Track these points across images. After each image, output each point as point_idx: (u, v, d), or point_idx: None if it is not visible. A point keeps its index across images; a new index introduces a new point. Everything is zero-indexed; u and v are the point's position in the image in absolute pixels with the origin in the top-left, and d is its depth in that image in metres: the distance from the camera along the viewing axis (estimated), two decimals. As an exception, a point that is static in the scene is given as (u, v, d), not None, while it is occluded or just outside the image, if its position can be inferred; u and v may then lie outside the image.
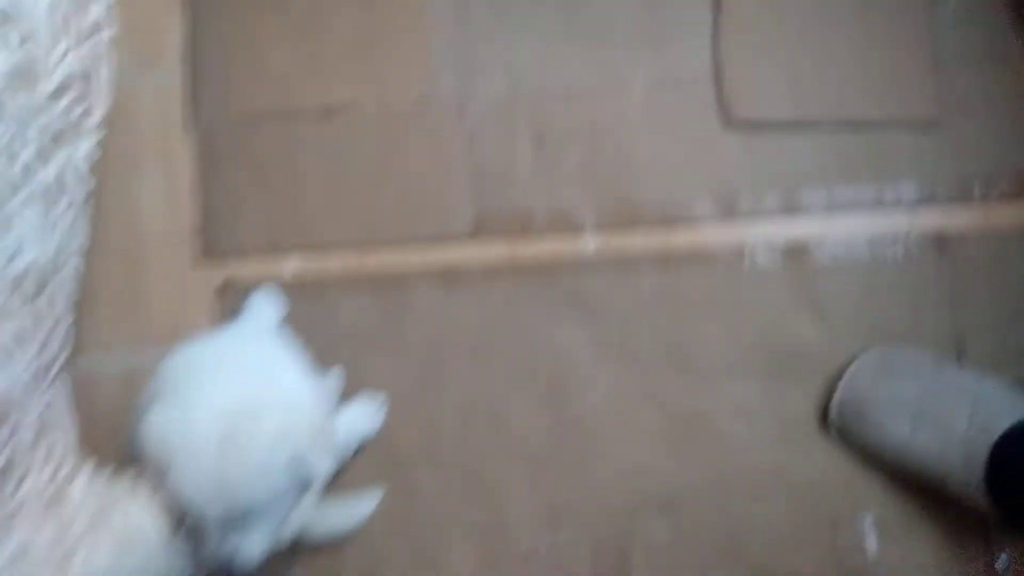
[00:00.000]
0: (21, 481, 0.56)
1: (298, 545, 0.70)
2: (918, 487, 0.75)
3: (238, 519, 0.51)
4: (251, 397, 0.54)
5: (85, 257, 0.74)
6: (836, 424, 0.75)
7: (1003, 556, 0.75)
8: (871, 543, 0.76)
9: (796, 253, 0.79)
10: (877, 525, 0.76)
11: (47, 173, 0.63)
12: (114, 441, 0.65)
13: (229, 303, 0.80)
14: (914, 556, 0.75)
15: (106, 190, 0.82)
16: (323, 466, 0.55)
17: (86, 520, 0.56)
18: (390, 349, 0.79)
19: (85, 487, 0.60)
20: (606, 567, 0.76)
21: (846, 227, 0.79)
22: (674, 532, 0.76)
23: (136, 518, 0.53)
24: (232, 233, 0.82)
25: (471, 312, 0.80)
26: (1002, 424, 0.68)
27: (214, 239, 0.82)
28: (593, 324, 0.79)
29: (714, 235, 0.80)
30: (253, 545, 0.52)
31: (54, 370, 0.65)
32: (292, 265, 0.81)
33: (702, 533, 0.76)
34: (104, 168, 0.82)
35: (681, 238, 0.80)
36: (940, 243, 0.78)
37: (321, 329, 0.79)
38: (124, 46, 0.81)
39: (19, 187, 0.60)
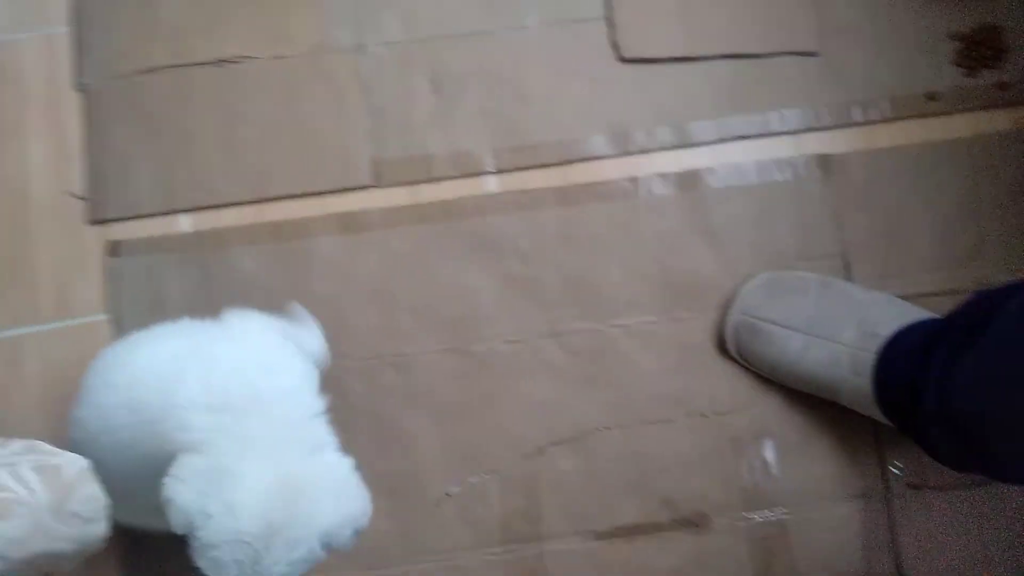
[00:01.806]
0: None
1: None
2: (814, 403, 0.78)
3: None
4: (292, 474, 0.54)
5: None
6: (733, 346, 0.78)
7: (898, 464, 0.78)
8: (772, 461, 0.78)
9: (689, 182, 0.81)
10: (777, 443, 0.78)
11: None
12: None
13: (119, 270, 0.78)
14: (813, 470, 0.78)
15: (-12, 154, 0.79)
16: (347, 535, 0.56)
17: None
18: (293, 300, 0.78)
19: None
20: (516, 506, 0.77)
21: (736, 155, 0.82)
22: (582, 465, 0.78)
23: (18, 487, 0.51)
24: (123, 194, 0.80)
25: (374, 259, 0.80)
26: (889, 329, 0.71)
27: (104, 201, 0.80)
28: (496, 264, 0.80)
29: (611, 170, 0.81)
30: None
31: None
32: (187, 224, 0.80)
33: (609, 465, 0.78)
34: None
35: (579, 175, 0.81)
36: (825, 166, 0.81)
37: (224, 282, 0.78)
38: (5, 1, 0.79)
39: None
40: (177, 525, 0.52)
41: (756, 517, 0.77)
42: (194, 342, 0.61)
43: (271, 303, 0.78)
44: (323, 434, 0.59)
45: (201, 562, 0.52)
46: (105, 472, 0.56)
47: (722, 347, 0.79)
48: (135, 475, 0.57)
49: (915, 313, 0.73)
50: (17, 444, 0.56)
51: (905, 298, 0.76)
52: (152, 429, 0.56)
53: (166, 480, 0.52)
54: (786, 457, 0.78)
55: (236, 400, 0.56)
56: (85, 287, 0.78)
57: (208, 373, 0.57)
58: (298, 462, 0.56)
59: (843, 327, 0.73)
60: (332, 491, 0.56)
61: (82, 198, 0.79)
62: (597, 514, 0.77)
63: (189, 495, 0.52)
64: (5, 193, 0.79)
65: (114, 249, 0.79)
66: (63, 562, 0.57)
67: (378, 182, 0.80)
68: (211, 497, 0.52)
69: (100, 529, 0.56)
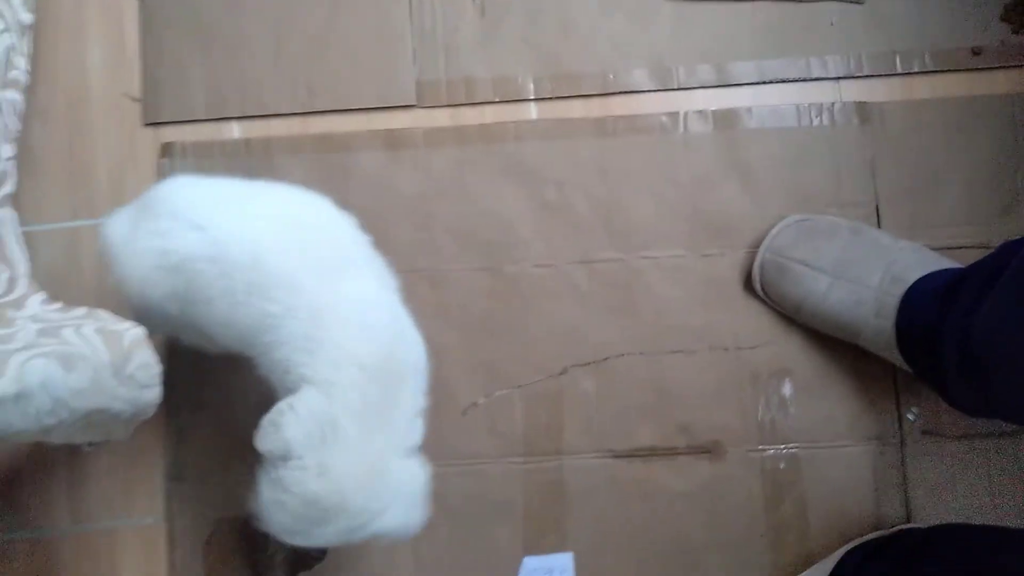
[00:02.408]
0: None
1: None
2: (835, 345, 0.79)
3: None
4: (385, 470, 0.56)
5: (29, 122, 0.74)
6: (759, 284, 0.79)
7: (913, 410, 0.80)
8: (789, 398, 0.80)
9: (727, 121, 0.82)
10: (795, 382, 0.80)
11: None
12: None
13: (171, 171, 0.82)
14: (829, 410, 0.80)
15: (51, 55, 0.83)
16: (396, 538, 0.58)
17: (32, 333, 0.58)
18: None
19: (35, 310, 0.61)
20: (538, 421, 0.80)
21: (775, 97, 0.83)
22: (603, 388, 0.80)
23: (81, 343, 0.55)
24: (177, 99, 0.83)
25: (414, 177, 0.82)
26: (915, 276, 0.72)
27: (158, 105, 0.83)
28: (532, 190, 0.82)
29: (650, 104, 0.83)
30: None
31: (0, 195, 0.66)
32: (236, 131, 0.83)
33: (630, 389, 0.80)
34: (49, 33, 0.83)
35: (618, 107, 0.83)
36: (863, 114, 0.82)
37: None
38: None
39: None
40: (269, 449, 0.53)
41: (770, 450, 0.79)
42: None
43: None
44: (418, 438, 0.60)
45: (264, 491, 0.54)
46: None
47: (748, 285, 0.80)
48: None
49: (942, 262, 0.74)
50: (80, 310, 0.59)
51: (934, 250, 0.77)
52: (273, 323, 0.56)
53: (283, 405, 0.53)
54: (803, 395, 0.80)
55: (373, 358, 0.57)
56: (138, 186, 0.81)
57: (361, 317, 0.58)
58: (393, 459, 0.57)
59: (870, 272, 0.75)
60: (406, 500, 0.57)
61: (137, 100, 0.82)
62: (616, 434, 0.80)
63: (298, 432, 0.52)
64: (68, 93, 0.83)
65: (167, 151, 0.82)
66: (118, 425, 0.60)
67: (421, 102, 0.83)
68: (313, 449, 0.52)
69: (154, 395, 0.59)
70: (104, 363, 0.54)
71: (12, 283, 0.64)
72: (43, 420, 0.53)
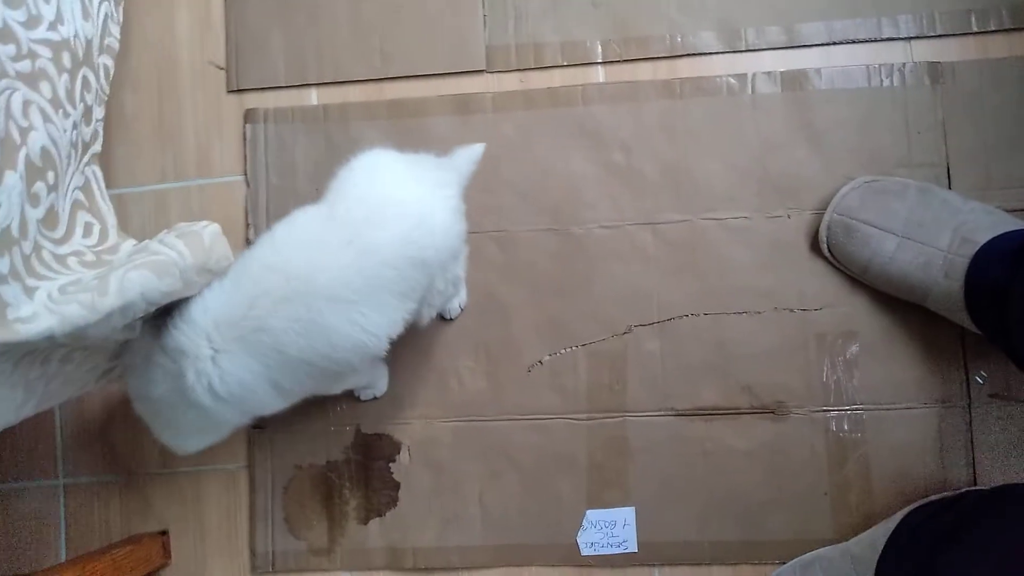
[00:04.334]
0: (67, 238, 0.62)
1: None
2: (901, 308, 0.79)
3: None
4: None
5: (120, 90, 0.79)
6: (826, 245, 0.79)
7: (981, 373, 0.79)
8: (855, 360, 0.80)
9: (795, 82, 0.82)
10: (861, 343, 0.80)
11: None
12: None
13: (255, 136, 0.86)
14: (895, 372, 0.80)
15: (141, 24, 0.87)
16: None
17: (125, 255, 0.63)
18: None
19: (128, 252, 0.66)
20: (602, 379, 0.82)
21: (844, 58, 0.82)
22: (667, 347, 0.82)
23: (168, 252, 0.59)
24: (259, 66, 0.87)
25: (483, 141, 0.84)
26: (985, 237, 0.72)
27: (242, 72, 0.87)
28: (599, 152, 0.83)
29: (717, 66, 0.83)
30: None
31: (87, 155, 0.70)
32: (315, 98, 0.86)
33: (694, 349, 0.81)
34: (139, 3, 0.87)
35: (686, 69, 0.83)
36: (934, 74, 0.81)
37: (345, 153, 0.83)
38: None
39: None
40: None
41: (834, 411, 0.80)
42: None
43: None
44: None
45: None
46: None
47: (815, 246, 0.81)
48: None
49: (1013, 223, 0.73)
50: (161, 232, 0.64)
51: (1006, 212, 0.76)
52: None
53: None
54: (869, 357, 0.80)
55: None
56: (224, 150, 0.86)
57: None
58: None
59: (939, 232, 0.74)
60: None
61: (222, 68, 0.86)
62: (679, 393, 0.81)
63: None
64: (158, 59, 0.87)
65: (250, 117, 0.86)
66: None
67: (490, 67, 0.85)
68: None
69: None
70: (189, 265, 0.59)
71: (104, 234, 0.69)
72: (137, 319, 0.58)
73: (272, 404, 0.67)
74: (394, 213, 0.63)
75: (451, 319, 0.83)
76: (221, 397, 0.62)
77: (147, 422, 0.67)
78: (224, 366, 0.61)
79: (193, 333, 0.61)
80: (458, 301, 0.83)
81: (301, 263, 0.61)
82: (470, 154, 0.73)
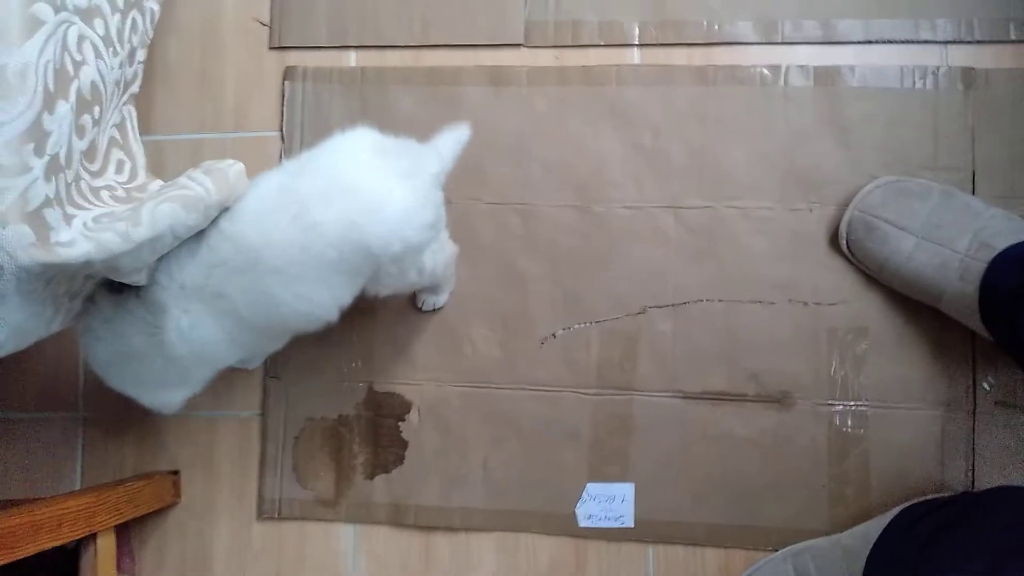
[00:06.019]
0: (102, 172, 0.64)
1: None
2: (915, 309, 0.80)
3: None
4: None
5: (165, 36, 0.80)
6: (845, 241, 0.80)
7: (989, 379, 0.80)
8: (864, 357, 0.81)
9: (828, 77, 0.83)
10: (872, 341, 0.81)
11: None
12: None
13: (293, 94, 0.87)
14: (903, 372, 0.81)
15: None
16: None
17: (155, 189, 0.65)
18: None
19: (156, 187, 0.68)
20: (613, 356, 0.84)
21: (879, 57, 0.83)
22: (680, 330, 0.83)
23: (196, 187, 0.61)
24: (301, 25, 0.89)
25: (515, 114, 0.86)
26: (1003, 243, 0.72)
27: (284, 30, 0.89)
28: (628, 133, 0.85)
29: (752, 56, 0.84)
30: None
31: (126, 94, 0.72)
32: (354, 60, 0.88)
33: (706, 334, 0.83)
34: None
35: (721, 57, 0.84)
36: (968, 80, 0.81)
37: (379, 116, 0.86)
38: None
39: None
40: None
41: (839, 406, 0.81)
42: None
43: (416, 141, 0.85)
44: None
45: None
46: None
47: (834, 241, 0.82)
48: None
49: (1034, 232, 0.74)
50: (188, 170, 0.66)
51: (1027, 220, 0.76)
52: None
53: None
54: (878, 355, 0.81)
55: None
56: (262, 105, 0.88)
57: None
58: None
59: (959, 236, 0.75)
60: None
61: (265, 25, 0.88)
62: (688, 376, 0.82)
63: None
64: (204, 11, 0.89)
65: (289, 75, 0.88)
66: None
67: (528, 41, 0.86)
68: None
69: None
70: (214, 202, 0.61)
71: (134, 172, 0.71)
72: (161, 253, 0.61)
73: (237, 357, 0.70)
74: (342, 195, 0.62)
75: (421, 309, 0.85)
76: (192, 352, 0.65)
77: (117, 384, 0.69)
78: (193, 323, 0.64)
79: (170, 289, 0.63)
80: (434, 300, 0.83)
81: (252, 235, 0.62)
82: (455, 137, 0.71)
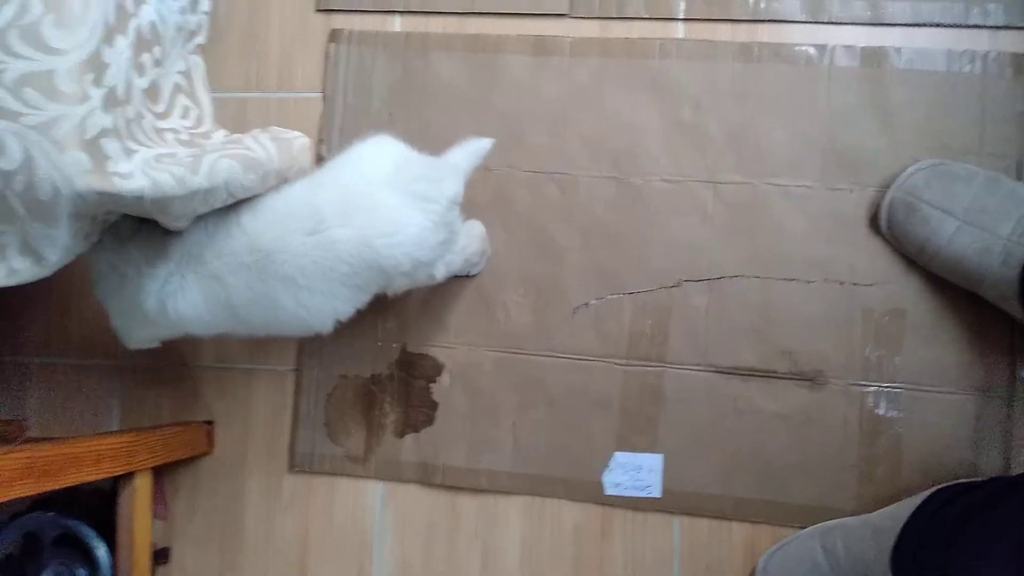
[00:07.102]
0: (167, 114, 0.66)
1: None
2: (953, 292, 0.79)
3: None
4: None
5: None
6: (885, 222, 0.80)
7: (1026, 367, 0.79)
8: (899, 340, 0.81)
9: (874, 58, 0.82)
10: (908, 323, 0.81)
11: None
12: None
13: (337, 56, 0.88)
14: (939, 355, 0.80)
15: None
16: None
17: (219, 142, 0.66)
18: (477, 109, 0.87)
19: (220, 140, 0.70)
20: (645, 328, 0.84)
21: (926, 40, 0.82)
22: (714, 305, 0.83)
23: (260, 150, 0.62)
24: (347, -10, 0.90)
25: (556, 83, 0.86)
26: (1048, 230, 0.72)
27: (331, -6, 0.90)
28: (668, 107, 0.85)
29: (798, 35, 0.84)
30: None
31: (191, 43, 0.74)
32: (398, 24, 0.89)
33: (740, 309, 0.83)
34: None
35: (766, 34, 0.84)
36: (1017, 65, 0.80)
37: (420, 81, 0.87)
38: None
39: None
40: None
41: (872, 387, 0.81)
42: None
43: (456, 107, 0.87)
44: None
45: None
46: None
47: (874, 223, 0.81)
48: None
49: (1080, 220, 0.73)
50: (256, 130, 0.67)
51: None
52: None
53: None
54: (915, 338, 0.81)
55: None
56: (306, 66, 0.89)
57: None
58: None
59: (1002, 220, 0.74)
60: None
61: (313, -13, 0.90)
62: (720, 351, 0.82)
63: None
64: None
65: (334, 37, 0.89)
66: None
67: (573, 12, 0.86)
68: None
69: None
70: (274, 169, 0.62)
71: (200, 119, 0.73)
72: (213, 206, 0.62)
73: (200, 333, 0.70)
74: (360, 214, 0.64)
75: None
76: (164, 314, 0.66)
77: (101, 295, 0.70)
78: (177, 290, 0.65)
79: (170, 251, 0.64)
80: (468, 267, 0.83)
81: (269, 238, 0.64)
82: (476, 149, 0.71)
